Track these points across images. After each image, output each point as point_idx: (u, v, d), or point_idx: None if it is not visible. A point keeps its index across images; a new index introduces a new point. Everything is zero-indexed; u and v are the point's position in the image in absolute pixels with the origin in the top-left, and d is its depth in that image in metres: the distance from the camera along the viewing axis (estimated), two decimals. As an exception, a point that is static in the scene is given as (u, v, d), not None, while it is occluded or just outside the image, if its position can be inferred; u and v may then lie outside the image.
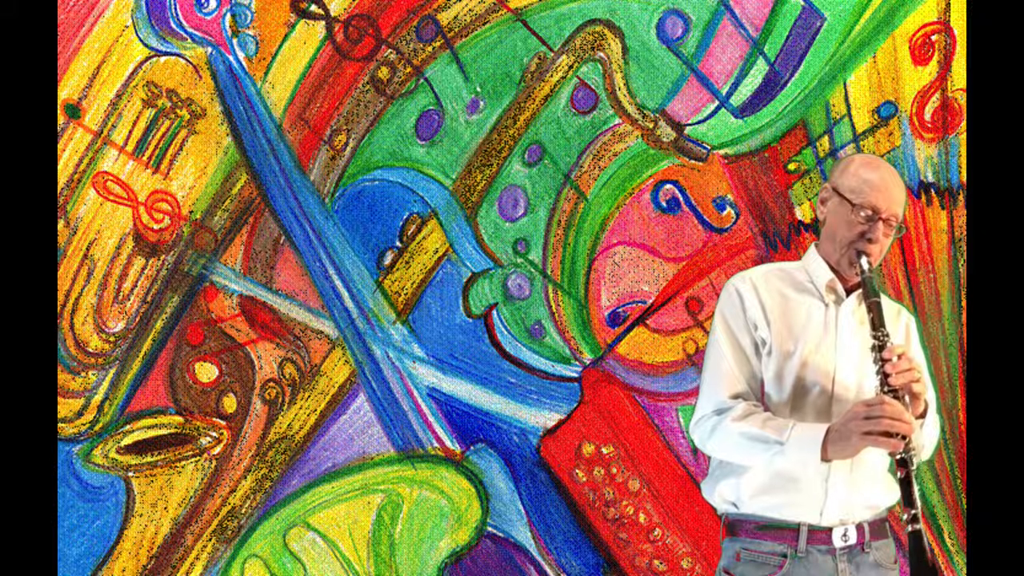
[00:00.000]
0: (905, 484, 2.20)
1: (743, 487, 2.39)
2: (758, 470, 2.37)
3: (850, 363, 2.38)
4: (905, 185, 2.46)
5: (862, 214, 2.36)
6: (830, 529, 2.35)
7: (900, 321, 2.50)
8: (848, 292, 2.43)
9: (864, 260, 2.35)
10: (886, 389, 2.24)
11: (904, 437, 2.20)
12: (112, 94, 3.41)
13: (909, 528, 2.18)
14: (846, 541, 2.35)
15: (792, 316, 2.41)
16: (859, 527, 2.37)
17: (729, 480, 2.42)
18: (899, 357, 2.26)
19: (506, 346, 3.42)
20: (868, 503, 2.38)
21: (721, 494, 2.44)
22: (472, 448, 3.42)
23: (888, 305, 2.50)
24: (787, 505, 2.36)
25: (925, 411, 2.35)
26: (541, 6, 3.42)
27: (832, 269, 2.43)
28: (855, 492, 2.36)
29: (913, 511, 2.18)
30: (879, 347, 2.27)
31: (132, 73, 3.41)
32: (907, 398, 2.26)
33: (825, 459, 2.26)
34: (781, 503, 2.36)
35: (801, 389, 2.37)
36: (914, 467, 2.21)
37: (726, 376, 2.41)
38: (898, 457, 2.21)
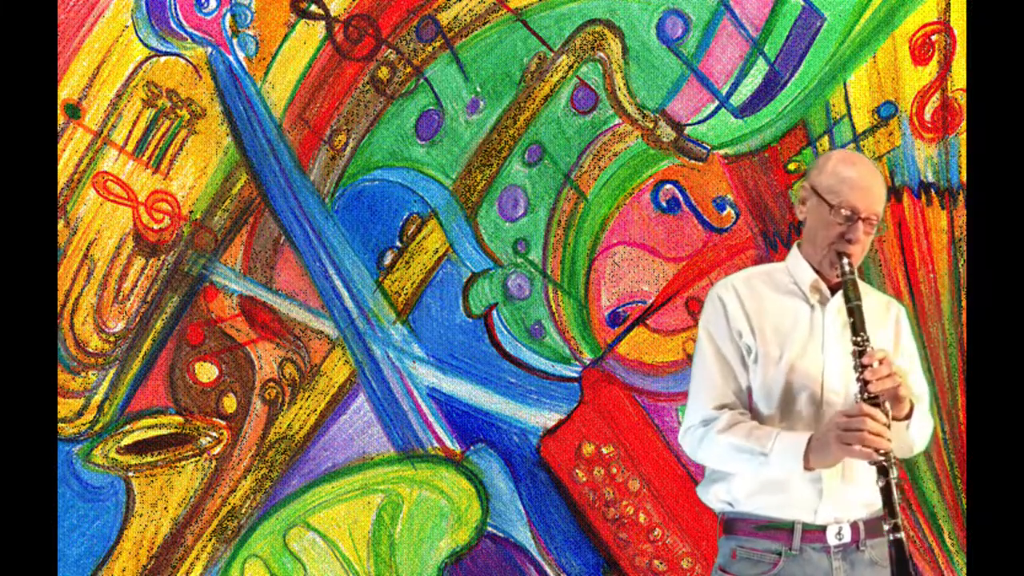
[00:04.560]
0: (886, 492, 2.18)
1: (735, 490, 2.40)
2: (748, 476, 2.37)
3: (837, 364, 2.37)
4: (885, 180, 2.44)
5: (841, 214, 2.34)
6: (824, 527, 2.35)
7: (890, 314, 2.48)
8: (833, 291, 2.41)
9: (845, 261, 2.32)
10: (866, 396, 2.22)
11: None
12: (112, 94, 3.41)
13: (891, 537, 2.17)
14: (840, 539, 2.35)
15: (777, 320, 2.40)
16: (854, 525, 2.36)
17: (722, 484, 2.42)
18: (880, 362, 2.24)
19: (506, 346, 3.42)
20: (863, 501, 2.37)
21: (716, 494, 2.44)
22: (472, 448, 3.42)
23: (877, 298, 2.50)
24: (782, 505, 2.36)
25: (911, 412, 2.33)
26: (541, 6, 3.42)
27: (815, 270, 2.42)
28: (850, 491, 2.35)
29: (894, 520, 2.17)
30: (859, 352, 2.25)
31: (132, 73, 3.41)
32: (887, 403, 2.25)
33: (808, 468, 2.26)
34: (775, 503, 2.36)
35: (789, 393, 2.36)
36: (894, 476, 2.19)
37: (711, 386, 2.41)
38: (878, 465, 2.20)
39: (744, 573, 2.37)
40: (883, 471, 2.19)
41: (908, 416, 2.33)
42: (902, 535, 2.17)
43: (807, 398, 2.36)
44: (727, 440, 2.33)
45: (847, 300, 2.30)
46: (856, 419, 2.19)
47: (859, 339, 2.26)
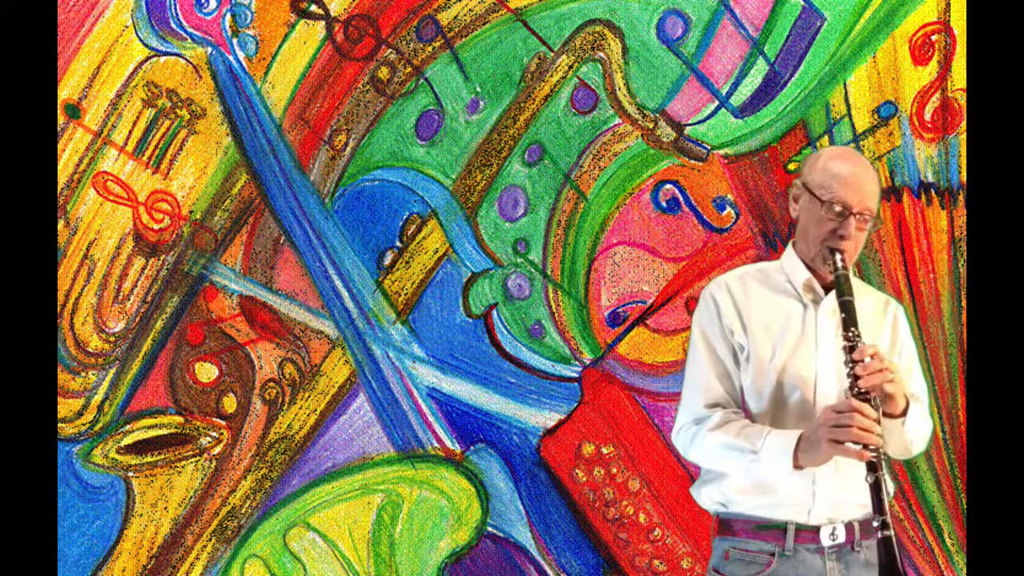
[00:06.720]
0: (875, 489, 2.16)
1: (727, 490, 2.39)
2: (740, 476, 2.36)
3: (830, 364, 2.35)
4: (880, 176, 2.43)
5: (833, 210, 2.33)
6: (818, 528, 2.34)
7: (887, 312, 2.47)
8: (827, 291, 2.39)
9: (838, 257, 2.31)
10: (856, 392, 2.20)
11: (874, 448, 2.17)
12: (112, 94, 3.41)
13: (879, 535, 2.14)
14: (834, 540, 2.33)
15: (770, 319, 2.38)
16: (848, 526, 2.34)
17: (715, 484, 2.41)
18: (871, 357, 2.22)
19: (506, 346, 3.42)
20: (858, 502, 2.34)
21: (709, 495, 2.43)
22: (472, 448, 3.42)
23: (875, 297, 2.48)
24: (775, 505, 2.34)
25: (906, 409, 2.30)
26: (541, 6, 3.42)
27: (809, 268, 2.40)
28: (843, 491, 2.33)
29: (883, 517, 2.14)
30: (849, 348, 2.23)
31: (132, 73, 3.41)
32: (878, 400, 2.23)
33: (797, 466, 2.24)
34: (769, 503, 2.35)
35: (781, 392, 2.35)
36: (883, 472, 2.17)
37: (703, 385, 2.39)
38: (867, 461, 2.17)
39: (737, 574, 2.36)
40: (872, 467, 2.16)
41: (903, 414, 2.30)
42: (891, 532, 2.14)
43: (799, 398, 2.34)
44: (718, 438, 2.31)
45: (839, 295, 2.28)
46: (845, 415, 2.17)
47: (850, 334, 2.24)
